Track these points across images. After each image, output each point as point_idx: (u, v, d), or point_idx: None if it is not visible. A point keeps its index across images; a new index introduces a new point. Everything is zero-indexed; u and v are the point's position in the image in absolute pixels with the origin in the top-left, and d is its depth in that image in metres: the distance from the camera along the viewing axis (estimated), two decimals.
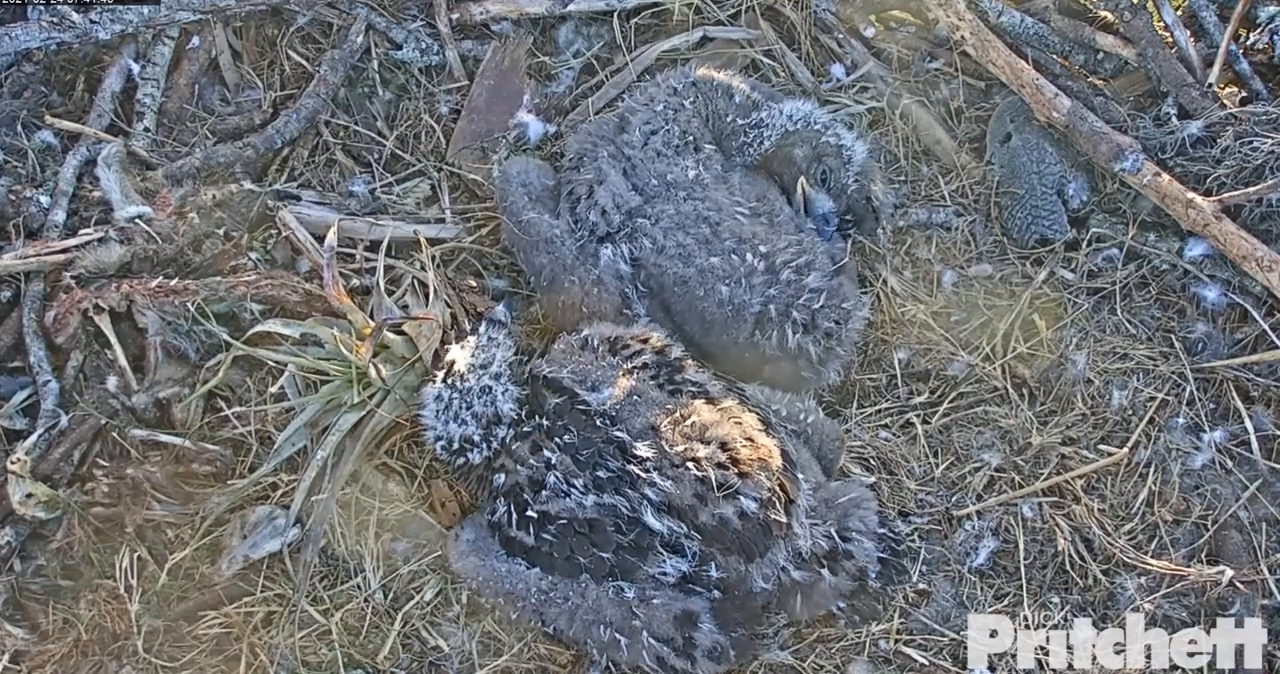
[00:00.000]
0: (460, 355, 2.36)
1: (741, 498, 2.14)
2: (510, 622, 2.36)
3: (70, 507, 2.43)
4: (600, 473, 2.18)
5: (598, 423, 2.22)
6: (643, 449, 2.17)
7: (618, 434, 2.20)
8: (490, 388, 2.32)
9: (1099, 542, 2.37)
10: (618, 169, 2.59)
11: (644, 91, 2.72)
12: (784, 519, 2.17)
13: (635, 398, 2.24)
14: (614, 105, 2.91)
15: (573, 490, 2.19)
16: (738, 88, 2.69)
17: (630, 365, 2.30)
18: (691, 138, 2.63)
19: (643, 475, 2.16)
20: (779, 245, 2.51)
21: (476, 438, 2.30)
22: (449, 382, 2.33)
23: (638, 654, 2.19)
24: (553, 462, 2.22)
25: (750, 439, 2.20)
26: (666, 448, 2.18)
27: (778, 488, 2.17)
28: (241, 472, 2.51)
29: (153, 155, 2.80)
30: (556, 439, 2.23)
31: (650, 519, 2.15)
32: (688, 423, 2.20)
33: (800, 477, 2.27)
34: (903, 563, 2.38)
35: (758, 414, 2.29)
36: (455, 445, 2.32)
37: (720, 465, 2.16)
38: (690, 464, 2.15)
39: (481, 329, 2.43)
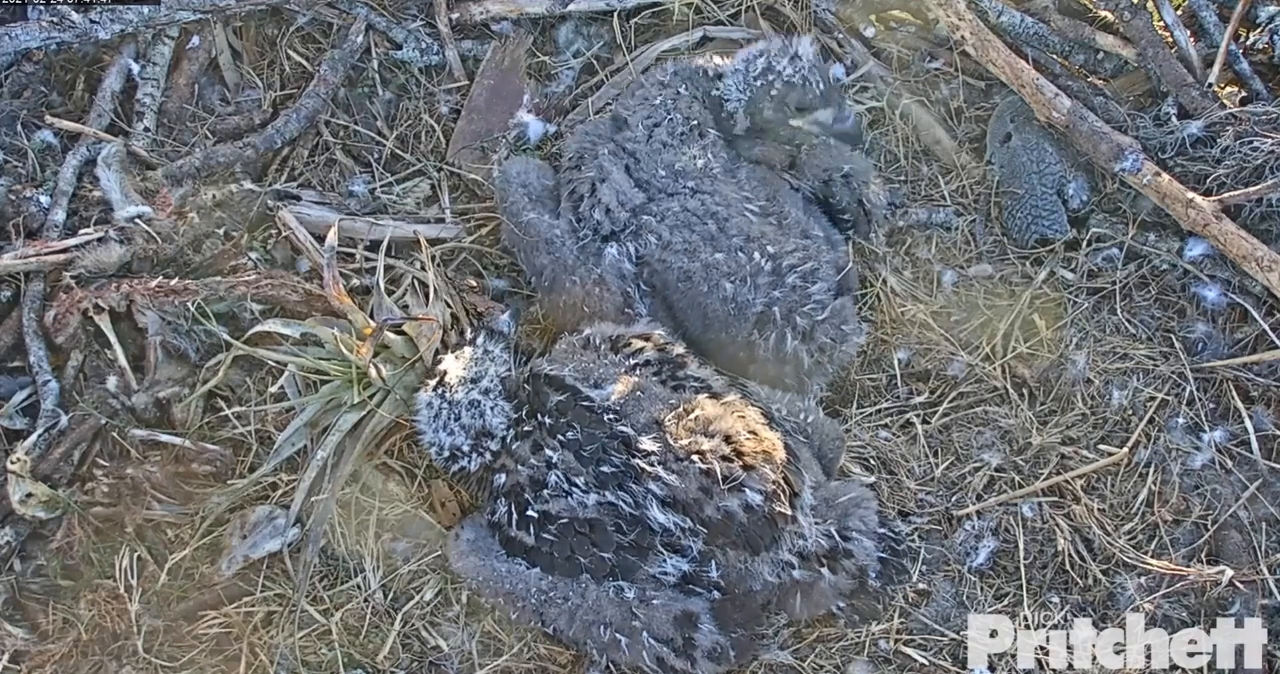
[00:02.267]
0: (453, 366, 2.34)
1: (747, 491, 2.14)
2: (510, 622, 2.36)
3: (70, 507, 2.43)
4: (604, 468, 2.18)
5: (602, 418, 2.22)
6: (647, 443, 2.17)
7: (622, 429, 2.20)
8: (478, 402, 2.30)
9: (1099, 542, 2.37)
10: (619, 166, 2.58)
11: (633, 93, 2.70)
12: (789, 512, 2.17)
13: (638, 394, 2.24)
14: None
15: (574, 489, 2.19)
16: (714, 63, 2.67)
17: (632, 363, 2.30)
18: (695, 122, 2.62)
19: (648, 469, 2.15)
20: (786, 248, 2.50)
21: (466, 448, 2.30)
22: (439, 391, 2.32)
23: (638, 654, 2.19)
24: (554, 460, 2.22)
25: (754, 432, 2.20)
26: (671, 442, 2.18)
27: (782, 481, 2.17)
28: (241, 472, 2.51)
29: (153, 155, 2.80)
30: (559, 436, 2.23)
31: (655, 514, 2.15)
32: (691, 417, 2.20)
33: (803, 471, 2.27)
34: (903, 563, 2.38)
35: (760, 409, 2.29)
36: (446, 453, 2.32)
37: (725, 458, 2.15)
38: (695, 458, 2.15)
39: (479, 341, 2.40)
